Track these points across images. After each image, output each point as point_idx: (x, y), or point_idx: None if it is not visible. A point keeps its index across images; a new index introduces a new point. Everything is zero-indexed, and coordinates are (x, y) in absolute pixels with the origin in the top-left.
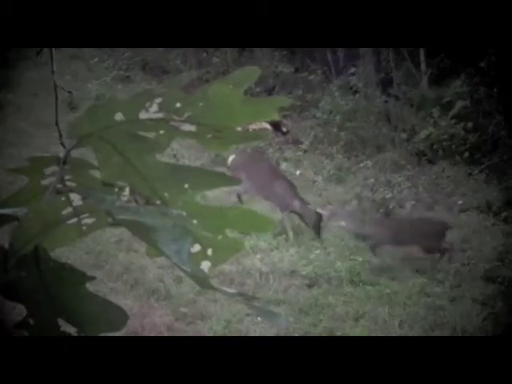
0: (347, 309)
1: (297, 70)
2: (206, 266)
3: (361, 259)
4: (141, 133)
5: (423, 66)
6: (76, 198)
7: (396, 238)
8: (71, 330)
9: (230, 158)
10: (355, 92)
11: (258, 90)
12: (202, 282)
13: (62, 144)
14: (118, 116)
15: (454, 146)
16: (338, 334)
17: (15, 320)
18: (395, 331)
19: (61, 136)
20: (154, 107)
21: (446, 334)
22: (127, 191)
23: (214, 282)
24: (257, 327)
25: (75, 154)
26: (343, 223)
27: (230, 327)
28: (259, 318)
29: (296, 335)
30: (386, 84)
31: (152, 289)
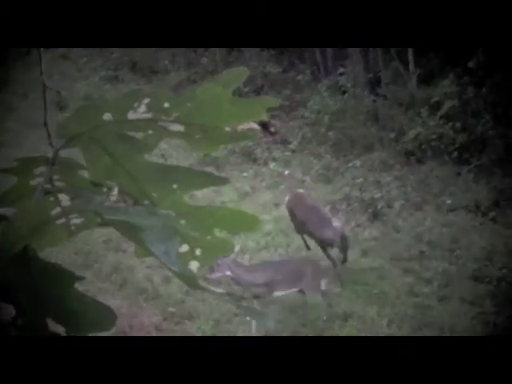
0: (336, 309)
1: (285, 70)
2: (194, 265)
3: (349, 259)
4: (129, 133)
5: (412, 66)
6: (65, 198)
7: (289, 279)
8: (60, 330)
9: (286, 198)
10: (344, 92)
11: (246, 90)
12: (191, 281)
13: (51, 144)
14: (107, 116)
15: (442, 146)
16: (327, 333)
17: (4, 320)
18: (383, 331)
19: (49, 136)
20: (143, 107)
21: (435, 333)
22: (116, 191)
23: (203, 282)
24: (245, 327)
25: (64, 154)
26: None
27: (218, 327)
28: (248, 318)
29: (285, 335)
30: (374, 84)
31: (140, 288)
